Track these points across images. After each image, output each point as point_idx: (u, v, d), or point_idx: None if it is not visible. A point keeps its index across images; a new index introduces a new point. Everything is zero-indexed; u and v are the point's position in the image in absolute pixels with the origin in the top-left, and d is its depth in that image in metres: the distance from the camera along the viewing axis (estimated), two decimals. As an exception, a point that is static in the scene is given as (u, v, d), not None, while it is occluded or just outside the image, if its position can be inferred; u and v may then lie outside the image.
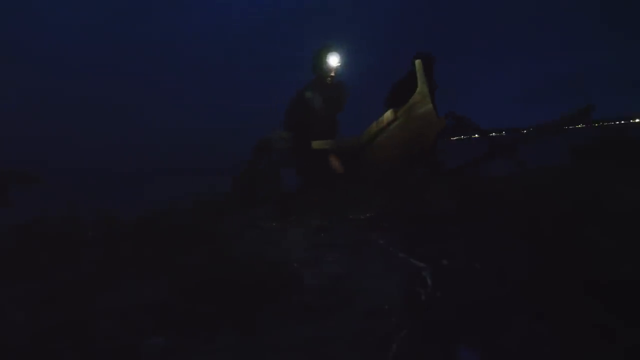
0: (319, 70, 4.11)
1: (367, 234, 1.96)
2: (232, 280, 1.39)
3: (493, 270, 1.34)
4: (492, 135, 3.91)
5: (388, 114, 3.81)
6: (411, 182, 2.95)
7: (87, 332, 1.21)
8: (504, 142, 3.71)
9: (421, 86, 3.59)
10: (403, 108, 3.69)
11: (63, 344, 1.14)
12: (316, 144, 4.00)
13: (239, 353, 1.05)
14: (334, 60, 4.10)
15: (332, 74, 4.11)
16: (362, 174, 3.92)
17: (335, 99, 4.30)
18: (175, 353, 1.08)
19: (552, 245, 1.39)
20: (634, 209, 1.54)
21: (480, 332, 1.01)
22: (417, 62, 3.55)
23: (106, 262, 1.83)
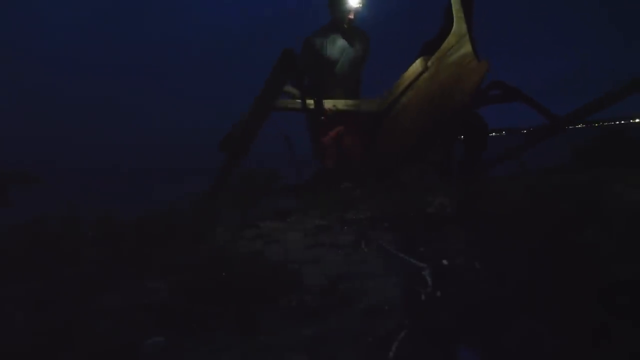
0: (335, 12, 3.37)
1: (367, 234, 1.96)
2: (232, 280, 1.39)
3: (493, 270, 1.34)
4: (555, 115, 3.24)
5: (416, 64, 3.06)
6: (410, 181, 2.84)
7: (87, 332, 1.21)
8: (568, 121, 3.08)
9: (457, 24, 2.86)
10: (434, 55, 2.98)
11: (63, 344, 1.14)
12: (327, 103, 3.22)
13: (239, 353, 1.05)
14: None
15: (351, 15, 3.34)
16: (382, 147, 3.15)
17: (355, 50, 3.49)
18: (176, 353, 1.08)
19: (552, 245, 1.39)
20: (634, 209, 1.54)
21: (480, 332, 1.01)
22: None
23: (106, 262, 1.83)
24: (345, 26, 3.41)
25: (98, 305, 1.41)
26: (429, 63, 3.00)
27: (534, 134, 3.45)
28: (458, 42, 2.84)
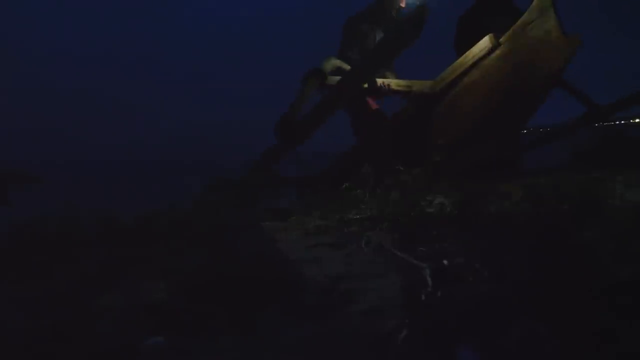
0: (383, 2, 3.21)
1: (367, 234, 1.96)
2: (232, 280, 1.39)
3: (493, 270, 1.34)
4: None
5: (484, 41, 2.63)
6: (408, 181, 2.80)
7: (87, 332, 1.21)
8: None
9: None
10: (509, 31, 2.58)
11: (63, 344, 1.14)
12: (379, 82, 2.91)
13: (239, 353, 1.05)
14: None
15: (403, 3, 3.17)
16: (432, 137, 2.79)
17: None
18: (176, 353, 1.08)
19: (552, 245, 1.39)
20: (634, 209, 1.54)
21: (480, 332, 1.01)
22: None
23: (106, 262, 1.83)
24: (394, 14, 3.26)
25: (98, 305, 1.40)
26: (502, 40, 2.59)
27: (574, 122, 3.29)
28: (540, 16, 2.45)
